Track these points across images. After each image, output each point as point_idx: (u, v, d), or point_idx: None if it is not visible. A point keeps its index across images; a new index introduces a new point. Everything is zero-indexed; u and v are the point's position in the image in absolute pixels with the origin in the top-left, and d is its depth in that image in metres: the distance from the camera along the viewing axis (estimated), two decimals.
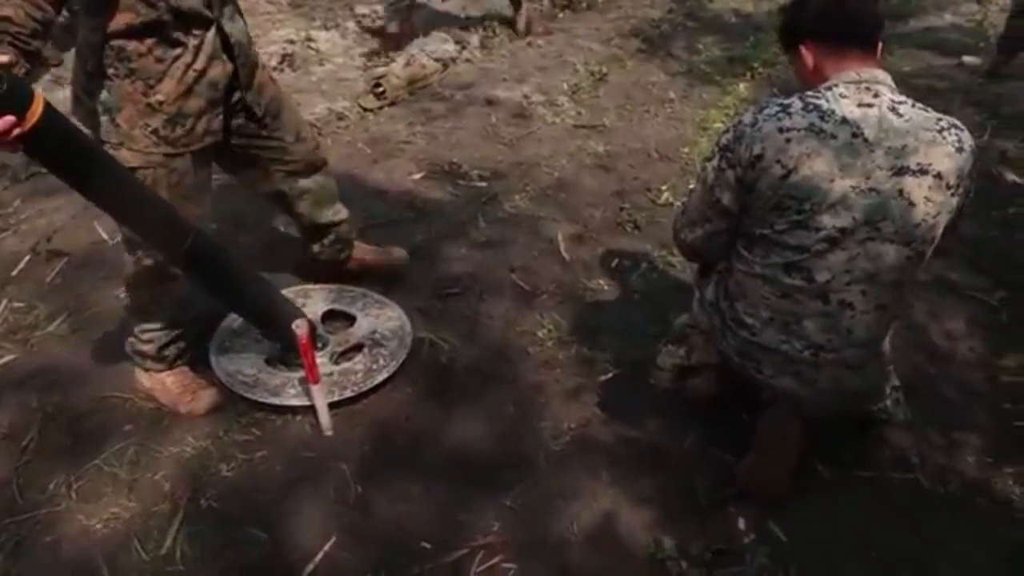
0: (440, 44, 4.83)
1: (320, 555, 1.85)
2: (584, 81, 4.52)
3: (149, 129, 1.86)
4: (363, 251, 2.68)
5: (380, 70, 4.37)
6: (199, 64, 1.86)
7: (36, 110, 1.36)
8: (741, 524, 1.91)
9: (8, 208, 3.33)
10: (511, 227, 3.07)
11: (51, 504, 1.99)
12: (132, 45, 1.77)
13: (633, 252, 2.93)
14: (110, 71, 1.80)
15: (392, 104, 4.12)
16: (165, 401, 2.24)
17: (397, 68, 4.36)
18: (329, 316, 2.46)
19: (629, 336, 2.49)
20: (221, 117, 1.99)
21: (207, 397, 2.24)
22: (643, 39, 5.27)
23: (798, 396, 1.85)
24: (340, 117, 4.01)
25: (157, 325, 2.18)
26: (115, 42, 1.76)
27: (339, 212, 2.50)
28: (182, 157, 1.94)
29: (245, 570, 1.82)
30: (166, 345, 2.22)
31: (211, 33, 1.86)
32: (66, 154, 1.50)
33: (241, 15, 2.02)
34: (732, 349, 1.91)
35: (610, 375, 2.35)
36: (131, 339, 2.25)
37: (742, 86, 4.46)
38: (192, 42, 1.84)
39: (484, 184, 3.38)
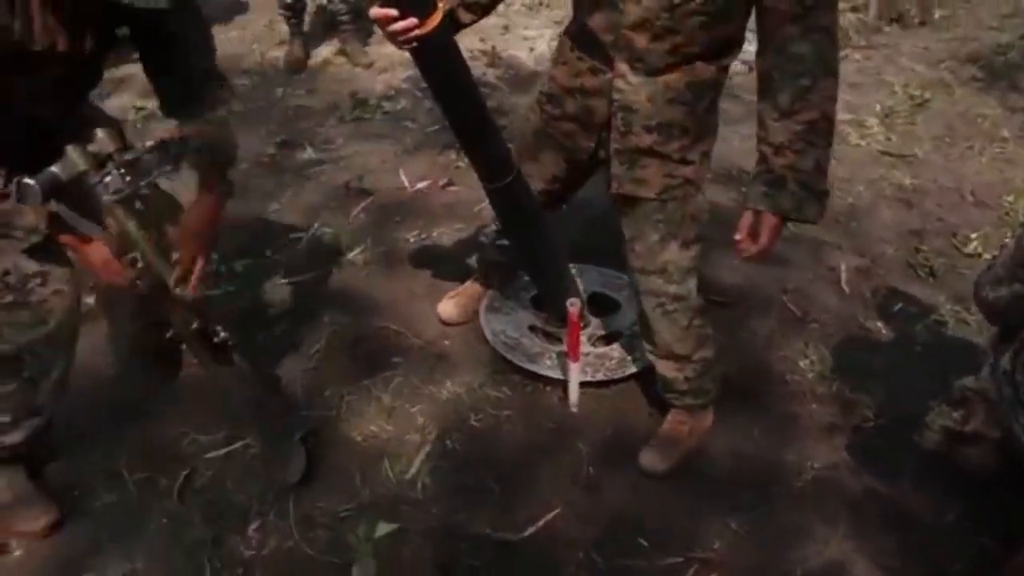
0: (748, 45, 4.68)
1: (542, 522, 1.94)
2: (900, 104, 4.18)
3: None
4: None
5: None
6: (588, 84, 1.81)
7: (435, 19, 1.55)
8: None
9: (333, 144, 3.76)
10: (791, 247, 2.95)
11: (325, 409, 2.26)
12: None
13: (923, 300, 2.70)
14: None
15: None
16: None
17: None
18: (594, 299, 2.52)
19: (900, 387, 2.31)
20: (591, 145, 1.89)
21: None
22: (981, 65, 4.75)
23: None
24: None
25: None
26: None
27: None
28: (537, 124, 2.00)
29: (474, 515, 1.96)
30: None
31: (609, 75, 1.75)
32: (442, 66, 1.68)
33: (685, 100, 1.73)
34: (1021, 428, 1.71)
35: (870, 424, 2.20)
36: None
37: None
38: (595, 63, 1.77)
39: None
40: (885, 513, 1.96)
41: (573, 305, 2.04)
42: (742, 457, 2.11)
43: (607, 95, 1.77)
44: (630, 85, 1.72)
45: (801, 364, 2.40)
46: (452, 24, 1.71)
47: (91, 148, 1.55)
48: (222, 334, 1.82)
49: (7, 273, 1.62)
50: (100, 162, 1.55)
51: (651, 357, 2.07)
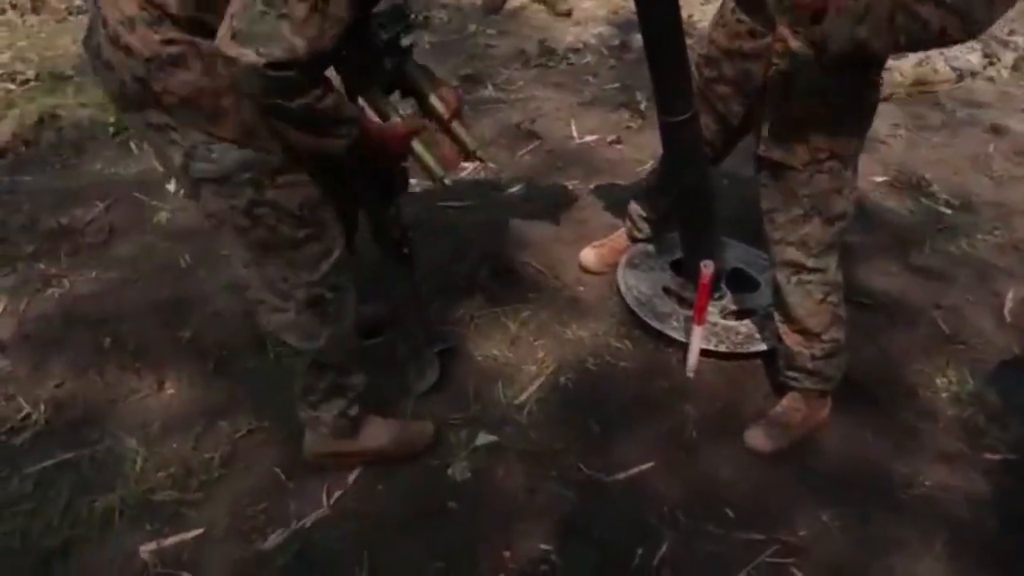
0: (964, 52, 4.38)
1: (635, 470, 2.00)
2: None
3: None
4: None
5: None
6: (746, 47, 1.86)
7: None
8: None
9: (513, 86, 3.89)
10: (957, 264, 2.79)
11: (454, 325, 2.41)
12: None
13: None
14: None
15: (884, 100, 3.89)
16: None
17: (906, 64, 4.08)
18: (734, 274, 2.50)
19: None
20: (743, 109, 1.96)
21: None
22: None
23: None
24: None
25: None
26: None
27: None
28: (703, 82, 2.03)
29: (570, 449, 2.04)
30: None
31: (768, 38, 1.79)
32: None
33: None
34: None
35: (998, 456, 2.09)
36: None
37: None
38: (755, 26, 1.82)
39: (948, 211, 3.09)
40: (988, 548, 1.87)
41: (707, 267, 2.05)
42: (851, 456, 2.07)
43: (764, 59, 1.79)
44: (789, 50, 1.72)
45: (937, 382, 2.30)
46: None
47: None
48: (409, 239, 1.98)
49: (302, 206, 1.56)
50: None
51: (781, 329, 2.06)
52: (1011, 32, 4.73)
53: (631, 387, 2.23)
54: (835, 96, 1.73)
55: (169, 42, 1.36)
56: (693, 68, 2.03)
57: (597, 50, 4.26)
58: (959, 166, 3.41)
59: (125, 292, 2.49)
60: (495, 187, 3.07)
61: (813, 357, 2.02)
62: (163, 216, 2.82)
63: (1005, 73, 4.33)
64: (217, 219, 1.56)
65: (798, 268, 1.94)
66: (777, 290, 2.02)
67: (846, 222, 1.91)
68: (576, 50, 4.25)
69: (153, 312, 2.39)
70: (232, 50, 1.26)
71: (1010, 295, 2.66)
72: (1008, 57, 4.45)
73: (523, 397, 2.18)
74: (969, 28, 1.50)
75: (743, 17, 1.84)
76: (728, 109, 1.97)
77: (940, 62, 4.22)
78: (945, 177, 3.31)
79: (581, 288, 2.58)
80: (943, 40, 1.52)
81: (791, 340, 2.04)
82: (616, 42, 4.35)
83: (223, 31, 1.27)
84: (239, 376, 2.22)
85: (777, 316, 2.07)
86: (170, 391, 2.17)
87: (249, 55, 1.25)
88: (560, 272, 2.65)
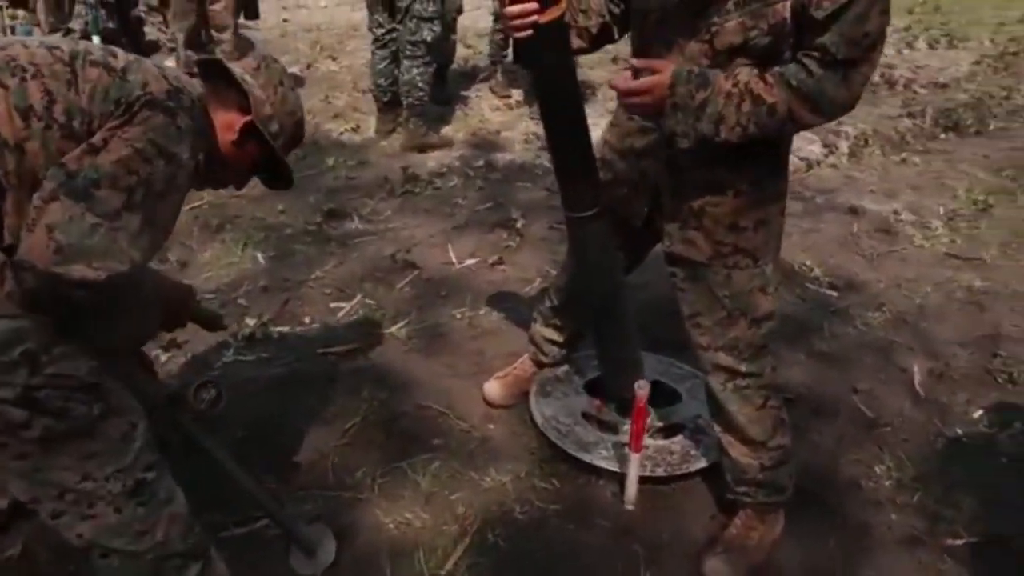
0: (806, 144, 4.63)
1: None
2: (964, 208, 4.04)
3: None
4: None
5: None
6: (638, 144, 1.79)
7: (555, 12, 1.53)
8: None
9: (380, 216, 3.71)
10: (859, 346, 2.77)
11: (355, 490, 2.10)
12: None
13: (1005, 408, 2.48)
14: None
15: None
16: None
17: None
18: (653, 388, 2.33)
19: (989, 502, 2.08)
20: (644, 209, 1.84)
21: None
22: None
23: None
24: None
25: None
26: None
27: None
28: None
29: None
30: None
31: (657, 134, 1.71)
32: (552, 68, 1.62)
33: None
34: None
35: (960, 541, 1.97)
36: None
37: None
38: (644, 123, 1.75)
39: (835, 294, 3.11)
40: None
41: (641, 388, 1.87)
42: (817, 571, 1.89)
43: (657, 155, 1.72)
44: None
45: (877, 470, 2.19)
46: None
47: None
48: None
49: (92, 371, 1.33)
50: None
51: (724, 440, 1.89)
52: (839, 123, 5.06)
53: (569, 533, 1.97)
54: (729, 186, 1.65)
55: None
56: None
57: (462, 172, 4.18)
58: (831, 249, 3.49)
59: None
60: (376, 325, 2.82)
61: (762, 467, 1.86)
62: None
63: (844, 159, 4.60)
64: None
65: (732, 374, 1.80)
66: (713, 399, 1.86)
67: (774, 322, 1.80)
68: (440, 174, 4.16)
69: None
70: (59, 267, 1.15)
71: (916, 369, 2.65)
72: (843, 145, 4.75)
73: (449, 565, 1.88)
74: (823, 109, 1.49)
75: (634, 116, 1.75)
76: (630, 210, 1.85)
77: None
78: (822, 260, 3.37)
79: (491, 426, 2.34)
80: (796, 124, 1.52)
81: (736, 452, 1.87)
82: (480, 162, 4.30)
83: (36, 242, 1.15)
84: None
85: (717, 427, 1.90)
86: None
87: (82, 270, 1.16)
88: (464, 411, 2.39)
